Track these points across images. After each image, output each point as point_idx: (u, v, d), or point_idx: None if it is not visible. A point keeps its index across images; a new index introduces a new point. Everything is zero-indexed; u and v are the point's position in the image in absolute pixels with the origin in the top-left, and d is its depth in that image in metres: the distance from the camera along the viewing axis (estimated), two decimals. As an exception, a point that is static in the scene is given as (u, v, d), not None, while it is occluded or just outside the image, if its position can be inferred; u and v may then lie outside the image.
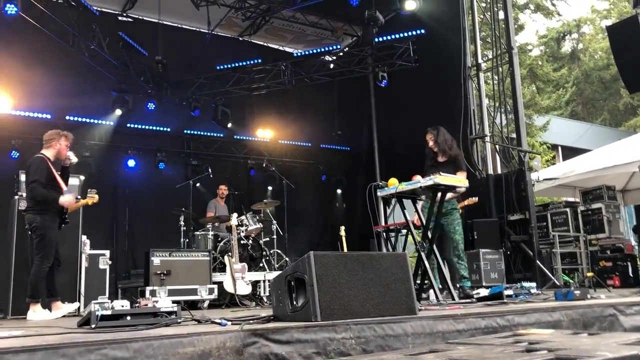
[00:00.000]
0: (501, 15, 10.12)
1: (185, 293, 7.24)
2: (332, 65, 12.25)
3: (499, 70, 9.99)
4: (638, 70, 7.67)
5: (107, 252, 7.05)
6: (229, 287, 7.42)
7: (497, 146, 10.00)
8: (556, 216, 9.69)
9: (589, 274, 8.05)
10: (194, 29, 12.22)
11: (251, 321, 3.19)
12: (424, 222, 5.59)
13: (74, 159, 5.94)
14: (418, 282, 5.51)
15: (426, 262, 5.35)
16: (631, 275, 8.24)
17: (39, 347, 2.34)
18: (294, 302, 3.36)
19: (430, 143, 6.53)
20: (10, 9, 7.63)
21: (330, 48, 11.62)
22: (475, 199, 7.35)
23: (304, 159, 13.60)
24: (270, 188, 12.35)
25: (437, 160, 6.52)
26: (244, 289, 7.46)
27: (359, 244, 11.22)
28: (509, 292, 5.18)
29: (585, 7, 30.74)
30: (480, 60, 10.43)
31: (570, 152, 20.97)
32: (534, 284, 5.78)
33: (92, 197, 6.24)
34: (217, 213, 9.36)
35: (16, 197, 6.26)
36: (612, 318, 4.10)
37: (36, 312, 5.30)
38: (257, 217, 8.95)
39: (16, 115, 10.03)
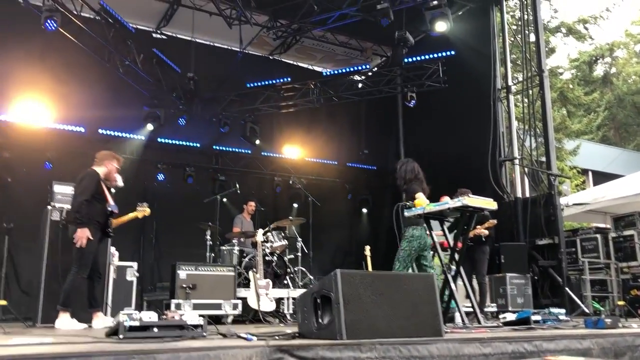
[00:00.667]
0: (532, 37, 10.09)
1: (209, 307, 7.26)
2: (360, 85, 12.30)
3: (529, 92, 9.93)
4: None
5: (135, 264, 7.14)
6: (252, 303, 7.42)
7: (526, 169, 9.90)
8: (586, 242, 9.51)
9: (620, 303, 7.87)
10: (226, 47, 12.42)
11: (277, 337, 3.20)
12: (451, 244, 5.55)
13: (120, 183, 6.01)
14: (444, 304, 5.46)
15: (452, 285, 5.30)
16: (664, 305, 8.02)
17: (69, 354, 2.38)
18: (320, 320, 3.35)
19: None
20: (50, 24, 7.87)
21: (359, 68, 11.69)
22: (494, 222, 7.26)
23: (330, 177, 13.62)
24: (295, 205, 12.39)
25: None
26: (268, 306, 7.46)
27: (384, 264, 11.14)
28: (537, 317, 5.08)
29: (619, 31, 30.34)
30: (510, 83, 10.40)
31: (601, 177, 20.61)
32: (562, 310, 5.67)
33: (143, 210, 6.35)
34: (243, 228, 9.42)
35: (49, 207, 6.39)
36: (644, 348, 3.99)
37: (64, 321, 5.36)
38: (282, 234, 8.97)
39: (51, 128, 10.29)
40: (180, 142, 11.75)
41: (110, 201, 5.80)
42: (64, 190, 6.45)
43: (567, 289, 8.23)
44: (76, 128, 10.49)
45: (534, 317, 4.95)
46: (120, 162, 6.00)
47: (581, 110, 25.64)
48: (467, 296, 5.58)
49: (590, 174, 22.48)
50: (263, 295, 7.43)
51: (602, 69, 32.45)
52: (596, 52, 30.80)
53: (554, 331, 4.21)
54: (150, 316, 3.48)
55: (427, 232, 5.76)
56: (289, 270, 8.67)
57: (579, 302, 8.10)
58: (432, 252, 6.11)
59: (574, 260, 9.46)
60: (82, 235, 5.45)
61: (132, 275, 6.97)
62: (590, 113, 27.22)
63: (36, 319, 6.06)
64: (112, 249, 6.76)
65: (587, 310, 7.96)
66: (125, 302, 6.76)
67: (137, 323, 3.33)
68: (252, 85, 11.53)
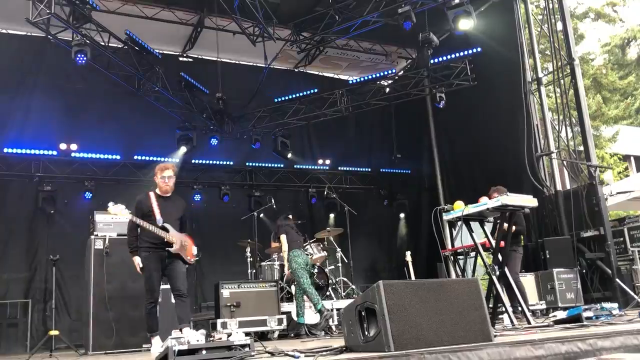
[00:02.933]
0: (559, 26, 9.89)
1: (255, 324, 7.30)
2: (388, 90, 12.26)
3: (561, 82, 9.73)
4: None
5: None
6: (295, 316, 7.43)
7: (564, 162, 9.69)
8: (634, 230, 9.22)
9: (676, 291, 7.60)
10: (251, 64, 12.56)
11: (324, 353, 3.18)
12: (493, 244, 5.45)
13: (165, 189, 5.68)
14: (490, 306, 5.35)
15: (498, 286, 5.20)
16: None
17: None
18: (366, 332, 3.33)
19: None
20: (80, 58, 8.08)
21: (386, 73, 11.63)
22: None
23: (364, 184, 13.59)
24: (332, 215, 12.39)
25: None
26: (313, 318, 7.44)
27: (426, 269, 11.04)
28: (589, 313, 4.93)
29: (650, 11, 29.47)
30: (540, 74, 10.21)
31: (644, 162, 20.00)
32: (615, 305, 5.49)
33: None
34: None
35: (92, 237, 6.54)
36: None
37: (154, 345, 5.46)
38: (321, 246, 8.96)
39: (88, 157, 10.57)
40: (214, 162, 11.91)
41: (157, 215, 5.53)
42: (105, 219, 6.59)
43: (618, 280, 7.99)
44: (112, 156, 10.74)
45: (585, 314, 4.81)
46: (163, 169, 5.69)
47: (617, 95, 24.93)
48: (514, 296, 5.46)
49: (632, 159, 21.83)
50: (307, 308, 7.42)
51: (636, 51, 31.56)
52: (628, 34, 29.95)
53: (608, 327, 4.08)
54: (197, 339, 3.50)
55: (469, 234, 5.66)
56: (330, 281, 8.65)
57: (632, 293, 7.84)
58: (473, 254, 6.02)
59: (623, 250, 9.19)
60: (135, 264, 5.50)
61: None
62: (627, 97, 26.47)
63: (88, 346, 6.18)
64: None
65: (641, 302, 7.70)
66: (172, 325, 6.83)
67: (185, 347, 3.36)
68: (279, 99, 11.61)
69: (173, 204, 5.75)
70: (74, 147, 10.45)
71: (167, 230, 5.49)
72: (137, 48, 9.32)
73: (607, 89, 22.54)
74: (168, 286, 6.83)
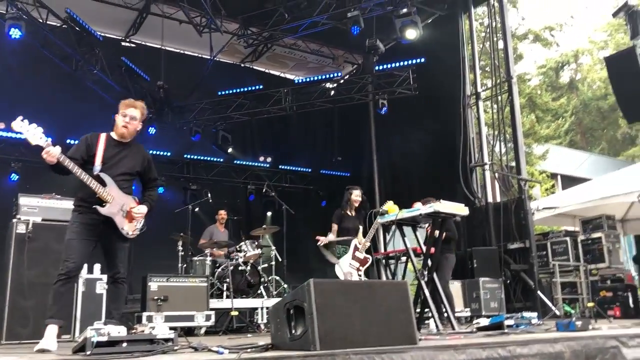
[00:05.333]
0: (500, 44, 10.24)
1: (182, 319, 7.15)
2: (332, 92, 12.34)
3: (498, 99, 10.06)
4: (636, 101, 7.73)
5: (105, 277, 6.98)
6: (339, 272, 6.92)
7: (496, 174, 10.02)
8: (556, 245, 9.64)
9: (590, 305, 7.99)
10: (196, 55, 12.34)
11: (249, 349, 3.15)
12: (424, 249, 5.57)
13: (122, 127, 4.44)
14: (418, 310, 5.46)
15: (426, 291, 5.31)
16: (632, 305, 8.17)
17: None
18: (293, 331, 3.31)
19: (358, 198, 7.20)
20: (15, 33, 7.71)
21: (331, 75, 11.72)
22: None
23: (304, 184, 13.60)
24: (269, 213, 12.33)
25: (347, 214, 7.18)
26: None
27: (359, 271, 11.14)
28: (510, 322, 5.12)
29: (583, 38, 31.03)
30: (479, 89, 10.53)
31: (569, 181, 21.00)
32: (534, 314, 5.73)
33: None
34: (216, 239, 9.30)
35: (14, 220, 6.22)
36: (614, 350, 4.04)
37: (45, 337, 4.06)
38: (256, 243, 8.90)
39: (16, 138, 10.05)
40: (151, 152, 11.49)
41: (97, 162, 4.26)
42: (30, 203, 6.28)
43: (539, 292, 8.32)
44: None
45: (507, 322, 4.99)
46: (128, 105, 4.52)
47: (549, 115, 26.13)
48: (441, 302, 5.59)
49: (559, 177, 22.89)
50: (354, 269, 6.95)
51: (568, 75, 33.19)
52: (562, 58, 31.47)
53: (527, 335, 4.24)
54: (119, 330, 3.39)
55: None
56: (262, 279, 8.60)
57: (550, 305, 8.20)
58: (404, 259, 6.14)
59: (545, 263, 9.58)
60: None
61: (101, 288, 6.81)
62: (558, 118, 27.78)
63: (1, 335, 5.88)
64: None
65: (558, 313, 8.06)
66: (95, 316, 6.59)
67: (105, 338, 3.24)
68: (223, 93, 11.46)
69: (130, 154, 4.48)
70: (0, 125, 9.92)
71: (103, 184, 4.22)
72: (77, 28, 8.99)
73: (541, 108, 23.59)
74: (92, 275, 6.64)
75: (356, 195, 7.18)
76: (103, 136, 4.42)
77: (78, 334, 5.74)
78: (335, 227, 7.12)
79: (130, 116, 4.46)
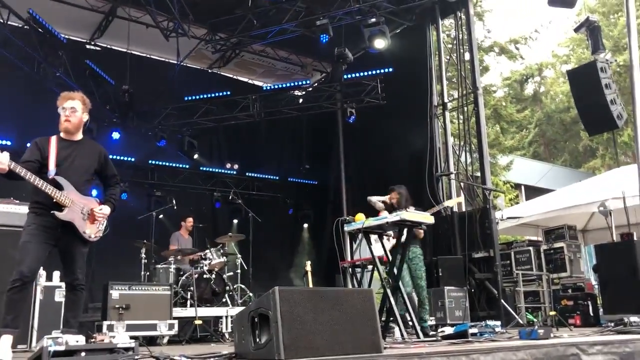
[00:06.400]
0: (467, 56, 10.39)
1: (144, 328, 7.00)
2: (301, 100, 12.34)
3: (465, 109, 10.20)
4: (597, 114, 7.93)
5: (63, 285, 6.77)
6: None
7: (462, 184, 10.14)
8: (520, 255, 9.78)
9: (552, 313, 8.12)
10: (163, 59, 12.19)
11: (212, 359, 3.08)
12: (390, 258, 5.57)
13: (64, 122, 4.20)
14: (383, 318, 5.46)
15: (392, 299, 5.31)
16: (591, 314, 8.33)
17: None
18: (257, 339, 3.26)
19: (394, 201, 6.62)
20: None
21: (300, 83, 11.73)
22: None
23: (271, 192, 13.53)
24: (235, 221, 12.22)
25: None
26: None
27: (325, 280, 11.14)
28: (474, 330, 5.15)
29: (547, 52, 31.84)
30: (446, 100, 10.67)
31: (532, 191, 21.42)
32: (498, 323, 5.78)
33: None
34: (181, 246, 9.16)
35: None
36: (574, 357, 4.10)
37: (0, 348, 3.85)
38: (221, 251, 8.80)
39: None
40: (114, 157, 11.33)
41: (51, 165, 4.05)
42: (-14, 205, 6.06)
43: (502, 301, 8.43)
44: (2, 141, 9.96)
45: (471, 330, 5.01)
46: (65, 98, 4.24)
47: (514, 127, 26.65)
48: (406, 310, 5.60)
49: (522, 188, 23.32)
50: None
51: (532, 87, 33.96)
52: (526, 71, 32.18)
53: (491, 344, 4.27)
54: (77, 339, 3.27)
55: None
56: (227, 287, 8.49)
57: (513, 313, 8.29)
58: (371, 267, 6.13)
59: (509, 272, 9.71)
60: None
61: (60, 296, 6.61)
62: (522, 130, 28.36)
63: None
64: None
65: (521, 322, 8.16)
66: (54, 325, 6.38)
67: (62, 348, 3.13)
68: (190, 98, 11.33)
69: (83, 152, 4.28)
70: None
71: (60, 187, 4.04)
72: (40, 30, 8.77)
73: (506, 120, 24.04)
74: (51, 283, 6.43)
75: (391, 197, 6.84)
76: (53, 138, 4.19)
77: (35, 343, 5.54)
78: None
79: (68, 109, 4.19)
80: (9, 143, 9.99)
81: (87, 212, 4.20)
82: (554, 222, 10.16)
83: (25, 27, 8.71)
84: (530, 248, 9.70)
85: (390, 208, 6.61)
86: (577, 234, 10.16)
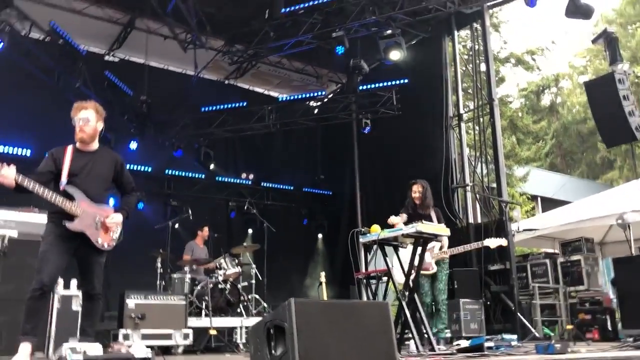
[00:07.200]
0: (483, 67, 10.37)
1: (159, 337, 7.03)
2: (316, 111, 12.38)
3: (480, 120, 10.16)
4: (615, 126, 7.86)
5: (81, 293, 6.84)
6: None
7: (477, 195, 10.09)
8: (536, 267, 9.70)
9: (569, 327, 8.02)
10: (180, 70, 12.30)
11: (227, 370, 3.10)
12: (405, 270, 5.55)
13: (80, 132, 4.27)
14: (398, 331, 5.43)
15: (407, 311, 5.28)
16: (610, 329, 8.21)
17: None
18: (273, 351, 3.27)
19: (416, 194, 6.59)
20: (-4, 45, 7.64)
21: (315, 94, 11.76)
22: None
23: (286, 202, 13.56)
24: (250, 231, 12.25)
25: (419, 212, 6.56)
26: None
27: (340, 291, 11.10)
28: (490, 343, 5.12)
29: (564, 63, 31.68)
30: (461, 111, 10.64)
31: (549, 203, 21.22)
32: (514, 336, 5.75)
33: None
34: (196, 255, 9.21)
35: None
36: (593, 373, 4.05)
37: (19, 353, 3.88)
38: (236, 261, 8.82)
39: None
40: (132, 167, 11.46)
41: (63, 176, 4.09)
42: (6, 217, 6.13)
43: (518, 314, 8.35)
44: (22, 150, 10.11)
45: (487, 344, 4.99)
46: (79, 109, 4.31)
47: (530, 138, 26.50)
48: (421, 323, 5.57)
49: (539, 200, 23.12)
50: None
51: (549, 98, 33.76)
52: (543, 82, 32.03)
53: (507, 358, 4.23)
54: (95, 349, 3.32)
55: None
56: (242, 298, 8.51)
57: (530, 327, 8.21)
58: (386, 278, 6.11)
59: (525, 285, 9.62)
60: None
61: (78, 305, 6.67)
62: (539, 141, 28.17)
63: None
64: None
65: (538, 335, 8.08)
66: (70, 333, 6.44)
67: (80, 357, 3.18)
68: (206, 109, 11.42)
69: (98, 160, 4.33)
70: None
71: (71, 198, 4.07)
72: (60, 42, 8.92)
73: (522, 131, 23.91)
74: (68, 292, 6.49)
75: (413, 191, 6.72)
76: (69, 148, 4.25)
77: (52, 351, 5.60)
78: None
79: (82, 119, 4.24)
80: (28, 153, 10.15)
81: (99, 221, 4.23)
82: (570, 234, 10.06)
83: (47, 39, 8.87)
84: (547, 260, 9.61)
85: (412, 207, 6.60)
86: (595, 247, 10.04)
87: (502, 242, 7.17)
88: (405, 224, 6.24)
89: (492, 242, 7.18)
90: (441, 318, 6.63)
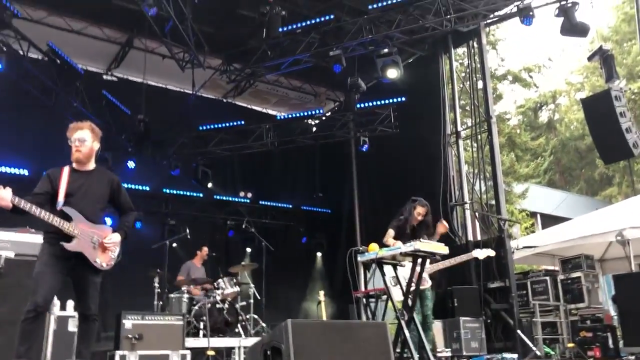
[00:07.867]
0: (480, 85, 10.42)
1: (156, 359, 6.94)
2: (314, 129, 12.40)
3: (478, 138, 10.19)
4: (612, 143, 7.88)
5: (77, 314, 6.77)
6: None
7: (476, 213, 10.07)
8: (536, 284, 9.64)
9: (570, 345, 7.95)
10: (178, 89, 12.36)
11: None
12: (404, 289, 5.51)
13: (75, 152, 4.28)
14: (398, 350, 5.37)
15: (406, 331, 5.23)
16: (611, 346, 8.13)
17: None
18: (269, 373, 3.22)
19: (420, 217, 6.58)
20: (-6, 65, 7.67)
21: (313, 112, 11.80)
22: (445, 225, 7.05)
23: (284, 220, 13.52)
24: (248, 250, 12.19)
25: (417, 232, 6.56)
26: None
27: (338, 310, 11.02)
28: (491, 363, 5.06)
29: (561, 80, 31.83)
30: (459, 128, 10.67)
31: (548, 220, 21.20)
32: (515, 355, 5.69)
33: None
34: (194, 275, 9.13)
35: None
36: (595, 393, 3.99)
37: None
38: (234, 280, 8.75)
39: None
40: (129, 185, 11.42)
41: (60, 196, 4.08)
42: (2, 237, 6.09)
43: (519, 332, 8.28)
44: (20, 171, 10.10)
45: (487, 363, 4.92)
46: (75, 129, 4.30)
47: (528, 154, 26.53)
48: (420, 341, 5.51)
49: (538, 216, 23.09)
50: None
51: (547, 115, 33.89)
52: (540, 99, 32.18)
53: (508, 378, 4.18)
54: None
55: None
56: (240, 318, 8.43)
57: (531, 345, 8.13)
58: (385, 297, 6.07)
59: (525, 302, 9.55)
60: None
61: (74, 326, 6.60)
62: (537, 157, 28.20)
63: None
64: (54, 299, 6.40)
65: (539, 354, 8.00)
66: (66, 355, 6.37)
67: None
68: (204, 127, 11.44)
69: (95, 181, 4.31)
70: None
71: (68, 218, 4.06)
72: (58, 61, 8.94)
73: (520, 148, 23.95)
74: (64, 313, 6.44)
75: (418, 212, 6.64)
76: (65, 169, 4.24)
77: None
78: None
79: (78, 139, 4.24)
80: (26, 173, 10.13)
81: (97, 241, 4.21)
82: (570, 251, 10.01)
83: (44, 59, 8.90)
84: (547, 278, 9.56)
85: (409, 228, 6.56)
86: (595, 264, 9.98)
87: (490, 252, 7.14)
88: (395, 238, 6.27)
89: (480, 253, 7.14)
90: (430, 330, 6.65)
